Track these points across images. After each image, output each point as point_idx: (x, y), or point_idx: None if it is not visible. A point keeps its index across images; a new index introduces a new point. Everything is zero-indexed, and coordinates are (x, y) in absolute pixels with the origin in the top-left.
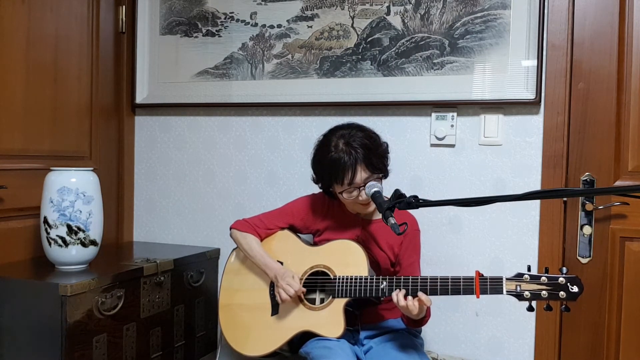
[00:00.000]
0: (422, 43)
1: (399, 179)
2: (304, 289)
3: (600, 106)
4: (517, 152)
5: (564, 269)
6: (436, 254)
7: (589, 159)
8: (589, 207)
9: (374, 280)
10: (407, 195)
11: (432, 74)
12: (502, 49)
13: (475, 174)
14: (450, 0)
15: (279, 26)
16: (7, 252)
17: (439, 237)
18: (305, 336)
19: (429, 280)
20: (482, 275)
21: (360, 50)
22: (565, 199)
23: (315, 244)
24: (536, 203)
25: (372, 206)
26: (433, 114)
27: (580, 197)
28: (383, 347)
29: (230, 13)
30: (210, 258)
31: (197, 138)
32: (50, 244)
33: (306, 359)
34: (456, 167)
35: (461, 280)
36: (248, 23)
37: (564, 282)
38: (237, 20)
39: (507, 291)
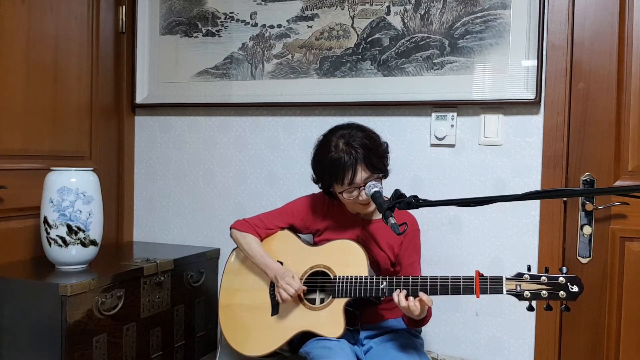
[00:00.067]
0: (422, 43)
1: (399, 179)
2: (305, 287)
3: (600, 106)
4: (517, 152)
5: (564, 269)
6: (436, 254)
7: (589, 159)
8: (589, 207)
9: (374, 280)
10: (407, 195)
11: (432, 74)
12: (502, 49)
13: (475, 174)
14: (450, 0)
15: (279, 26)
16: (7, 252)
17: (439, 237)
18: (305, 336)
19: (429, 280)
20: (482, 275)
21: (360, 50)
22: (565, 199)
23: (315, 244)
24: (536, 203)
25: (372, 206)
26: (433, 114)
27: (580, 197)
28: (383, 347)
29: (230, 13)
30: (210, 258)
31: (197, 138)
32: (50, 244)
33: (306, 359)
34: (456, 167)
35: (461, 280)
36: (248, 23)
37: (564, 282)
38: (237, 20)
39: (507, 291)
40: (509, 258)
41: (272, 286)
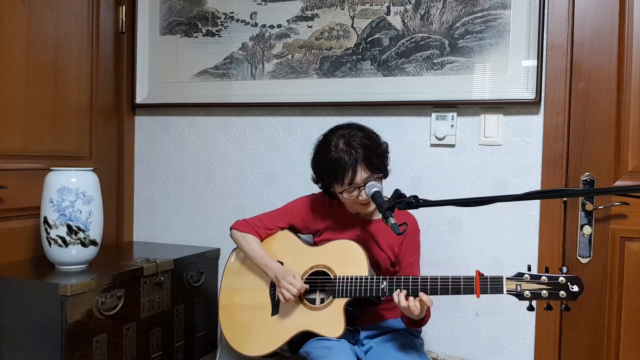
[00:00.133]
0: (422, 43)
1: (399, 179)
2: (307, 286)
3: (600, 106)
4: (517, 152)
5: (564, 269)
6: (436, 254)
7: (589, 159)
8: (589, 207)
9: (374, 280)
10: (407, 195)
11: (432, 74)
12: (502, 49)
13: (475, 174)
14: (450, 0)
15: (279, 26)
16: (7, 252)
17: (439, 237)
18: (306, 336)
19: (429, 280)
20: (483, 275)
21: (360, 50)
22: (565, 199)
23: (315, 244)
24: (536, 203)
25: (372, 206)
26: (433, 114)
27: (580, 197)
28: (383, 347)
29: (230, 13)
30: (210, 258)
31: (197, 138)
32: (50, 244)
33: (306, 359)
34: (456, 167)
35: (461, 279)
36: (248, 23)
37: (564, 282)
38: (237, 20)
39: (507, 291)
40: (509, 258)
41: (272, 286)
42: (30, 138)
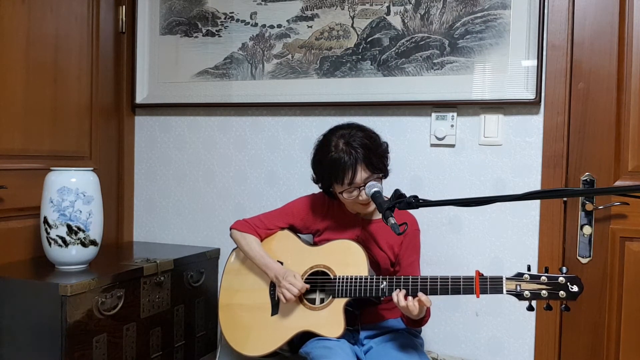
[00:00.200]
0: (422, 43)
1: (399, 179)
2: (308, 285)
3: (600, 106)
4: (517, 152)
5: (564, 269)
6: (436, 254)
7: (589, 159)
8: (589, 207)
9: (374, 280)
10: (407, 195)
11: (432, 74)
12: (502, 49)
13: (475, 174)
14: (450, 0)
15: (279, 26)
16: (7, 252)
17: (439, 237)
18: (305, 336)
19: (429, 280)
20: (482, 275)
21: (360, 50)
22: (565, 199)
23: (315, 244)
24: (536, 203)
25: (372, 206)
26: (433, 114)
27: (580, 197)
28: (383, 347)
29: (230, 13)
30: (210, 258)
31: (197, 138)
32: (50, 244)
33: (306, 359)
34: (456, 167)
35: (461, 279)
36: (248, 23)
37: (564, 282)
38: (237, 20)
39: (507, 291)
40: (509, 258)
41: (272, 286)
42: (30, 138)
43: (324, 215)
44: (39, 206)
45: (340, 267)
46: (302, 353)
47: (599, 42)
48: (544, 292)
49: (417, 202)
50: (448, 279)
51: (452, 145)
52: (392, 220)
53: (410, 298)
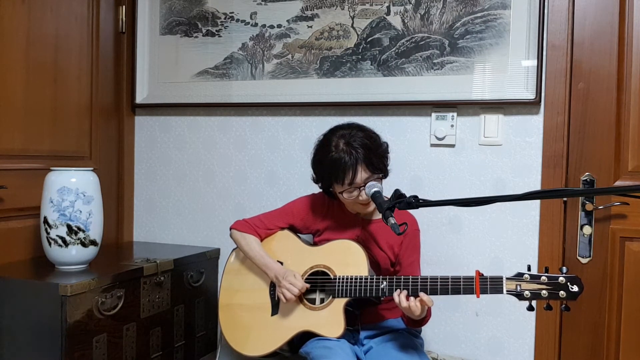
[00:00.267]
0: (422, 43)
1: (399, 179)
2: (308, 285)
3: (600, 106)
4: (517, 152)
5: (564, 269)
6: (436, 254)
7: (589, 159)
8: (589, 207)
9: (374, 280)
10: (407, 195)
11: (432, 74)
12: (502, 49)
13: (475, 174)
14: (450, 0)
15: (279, 26)
16: (7, 252)
17: (439, 237)
18: (305, 336)
19: (429, 280)
20: (482, 275)
21: (360, 50)
22: (565, 199)
23: (315, 244)
24: (536, 203)
25: (372, 206)
26: (433, 114)
27: (580, 197)
28: (383, 347)
29: (230, 13)
30: (210, 258)
31: (197, 138)
32: (50, 244)
33: (306, 359)
34: (456, 167)
35: (461, 279)
36: (248, 23)
37: (564, 282)
38: (237, 20)
39: (507, 291)
40: (509, 258)
41: (272, 286)
42: (30, 138)
43: (324, 215)
44: (39, 206)
45: (340, 267)
46: (302, 353)
47: (599, 42)
48: (544, 292)
49: (417, 202)
50: (448, 279)
51: (452, 145)
52: (392, 220)
53: (412, 298)
